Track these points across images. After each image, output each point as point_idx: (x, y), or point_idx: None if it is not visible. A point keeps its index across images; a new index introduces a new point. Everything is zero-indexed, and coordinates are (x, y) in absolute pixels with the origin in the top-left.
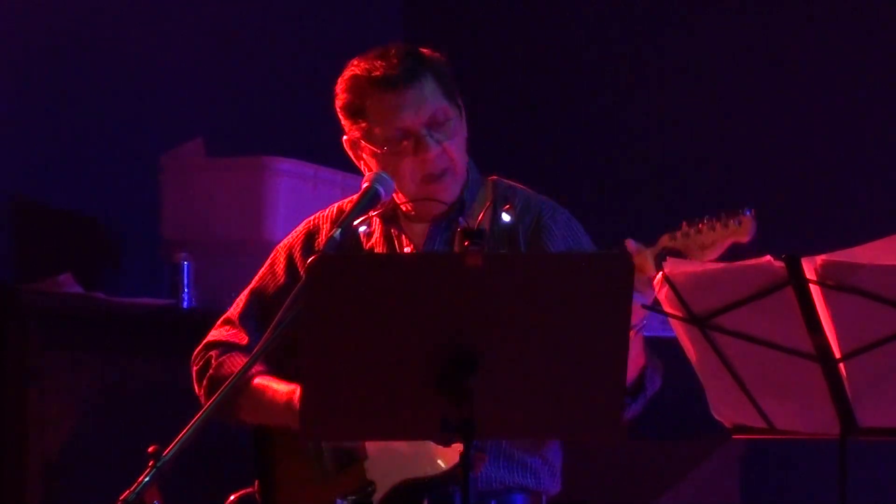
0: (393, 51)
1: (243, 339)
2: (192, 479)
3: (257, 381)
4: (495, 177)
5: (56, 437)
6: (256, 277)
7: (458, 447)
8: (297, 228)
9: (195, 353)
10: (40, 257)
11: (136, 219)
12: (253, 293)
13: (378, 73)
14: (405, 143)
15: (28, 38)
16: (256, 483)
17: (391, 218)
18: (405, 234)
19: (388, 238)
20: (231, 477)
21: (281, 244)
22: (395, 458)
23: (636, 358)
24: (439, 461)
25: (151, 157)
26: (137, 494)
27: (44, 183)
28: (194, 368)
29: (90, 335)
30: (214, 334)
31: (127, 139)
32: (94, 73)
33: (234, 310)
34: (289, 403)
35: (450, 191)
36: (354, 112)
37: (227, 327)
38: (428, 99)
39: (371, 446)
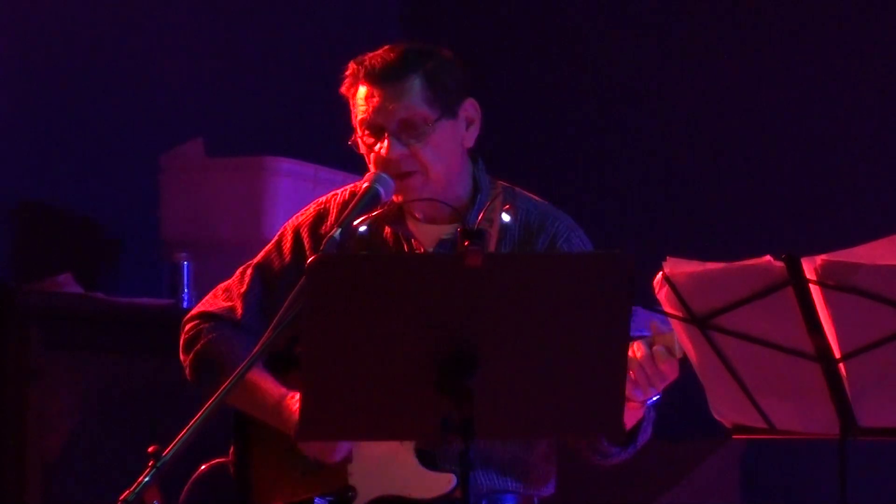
0: (398, 47)
1: (238, 312)
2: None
3: (251, 372)
4: (506, 183)
5: (56, 437)
6: (261, 253)
7: (446, 477)
8: (308, 209)
9: (187, 318)
10: (40, 257)
11: (136, 219)
12: (256, 268)
13: (367, 63)
14: (373, 137)
15: (28, 38)
16: (231, 451)
17: (397, 220)
18: (415, 238)
19: (396, 241)
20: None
21: (289, 222)
22: (379, 470)
23: (636, 413)
24: (425, 486)
25: (151, 157)
26: (137, 494)
27: (44, 183)
28: (183, 337)
29: (90, 335)
30: (209, 303)
31: (127, 139)
32: (94, 73)
33: (235, 281)
34: (277, 407)
35: (415, 191)
36: (348, 96)
37: (225, 297)
38: (405, 99)
39: (357, 452)
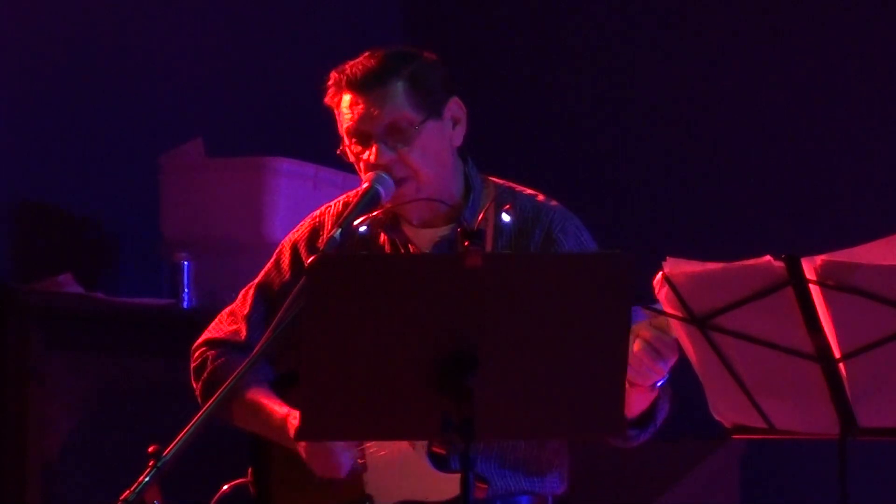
0: (378, 53)
1: (243, 334)
2: (185, 467)
3: (253, 394)
4: (497, 179)
5: (56, 437)
6: (261, 273)
7: (458, 478)
8: (303, 223)
9: (194, 346)
10: (40, 257)
11: (136, 219)
12: (258, 288)
13: (349, 72)
14: (361, 145)
15: (28, 38)
16: (250, 472)
17: (393, 227)
18: (411, 243)
19: (393, 248)
20: (225, 466)
21: (286, 239)
22: (394, 478)
23: (650, 395)
24: (440, 489)
25: (151, 157)
26: (137, 494)
27: (43, 183)
28: (192, 365)
29: (90, 335)
30: (215, 329)
31: (127, 139)
32: (94, 74)
33: (239, 304)
34: (283, 427)
35: (407, 198)
36: (333, 106)
37: (230, 321)
38: (389, 104)
39: (371, 461)
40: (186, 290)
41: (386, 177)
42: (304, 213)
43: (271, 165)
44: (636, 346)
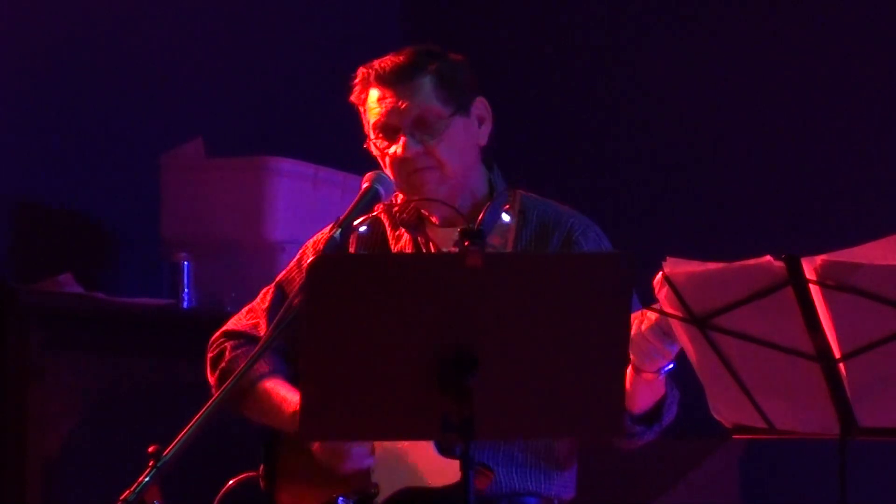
0: (405, 50)
1: (262, 328)
2: (192, 462)
3: (268, 384)
4: (525, 191)
5: (56, 437)
6: (283, 271)
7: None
8: (327, 226)
9: (213, 338)
10: (40, 257)
11: (136, 219)
12: (278, 285)
13: (377, 67)
14: (387, 140)
15: (28, 37)
16: (262, 467)
17: (416, 225)
18: (433, 242)
19: (416, 247)
20: (232, 460)
21: (310, 240)
22: (400, 464)
23: (657, 389)
24: (444, 473)
25: (151, 157)
26: (137, 494)
27: (43, 183)
28: (209, 355)
29: (90, 335)
30: (235, 322)
31: (127, 139)
32: (95, 73)
33: (259, 300)
34: (295, 415)
35: (430, 186)
36: (359, 103)
37: (250, 315)
38: (418, 98)
39: (378, 449)
40: (186, 290)
41: (385, 176)
42: (304, 213)
43: (271, 165)
44: (644, 326)
